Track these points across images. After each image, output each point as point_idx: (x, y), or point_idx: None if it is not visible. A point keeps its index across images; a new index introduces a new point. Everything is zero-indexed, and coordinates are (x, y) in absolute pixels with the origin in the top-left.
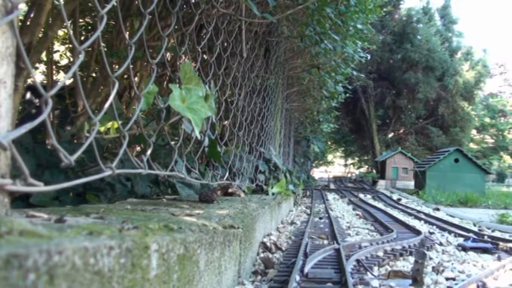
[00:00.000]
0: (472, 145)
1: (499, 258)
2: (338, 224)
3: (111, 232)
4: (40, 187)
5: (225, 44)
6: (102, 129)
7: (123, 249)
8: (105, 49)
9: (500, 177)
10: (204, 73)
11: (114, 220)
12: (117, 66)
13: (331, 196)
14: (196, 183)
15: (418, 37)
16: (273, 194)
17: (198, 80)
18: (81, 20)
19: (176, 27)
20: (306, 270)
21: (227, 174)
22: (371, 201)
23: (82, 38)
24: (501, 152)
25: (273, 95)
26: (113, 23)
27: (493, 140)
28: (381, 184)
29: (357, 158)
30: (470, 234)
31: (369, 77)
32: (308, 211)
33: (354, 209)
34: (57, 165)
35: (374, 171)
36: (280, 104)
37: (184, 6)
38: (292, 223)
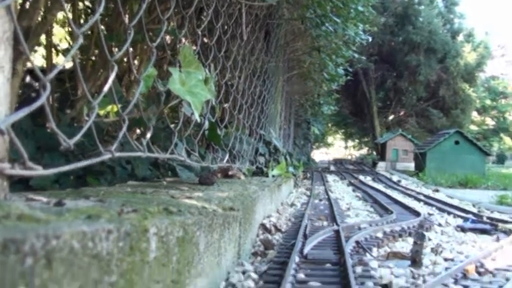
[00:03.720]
0: (472, 127)
1: (497, 239)
2: (338, 206)
3: (110, 216)
4: (39, 171)
5: (225, 27)
6: (101, 112)
7: (122, 232)
8: (105, 32)
9: (500, 159)
10: (204, 56)
11: (113, 203)
12: (116, 50)
13: (331, 178)
14: (196, 166)
15: (420, 19)
16: (273, 176)
17: (197, 63)
18: (80, 4)
19: (176, 10)
20: (305, 251)
21: (227, 156)
22: (371, 183)
23: (82, 21)
24: (501, 133)
25: (274, 78)
26: (112, 6)
27: (493, 122)
28: (381, 166)
29: (357, 140)
30: (470, 216)
31: (370, 60)
32: (308, 193)
33: (353, 191)
34: (57, 149)
35: (374, 153)
36: (281, 86)
37: None
38: (292, 205)
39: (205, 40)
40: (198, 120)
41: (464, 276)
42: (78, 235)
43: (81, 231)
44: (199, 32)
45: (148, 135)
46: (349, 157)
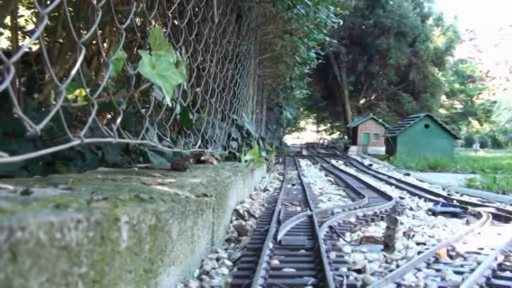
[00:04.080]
0: (441, 111)
1: (467, 223)
2: (310, 191)
3: (79, 204)
4: (5, 158)
5: (196, 9)
6: (70, 96)
7: (92, 222)
8: (72, 14)
9: (468, 142)
10: (175, 39)
11: (83, 191)
12: (85, 32)
13: (303, 162)
14: (168, 151)
15: (390, 2)
16: (246, 161)
17: (168, 46)
18: None
19: None
20: (279, 237)
21: (199, 141)
22: (343, 167)
23: (48, 2)
24: (469, 117)
25: (246, 62)
26: None
27: (461, 106)
28: (353, 150)
29: (329, 124)
30: (440, 199)
31: (341, 43)
32: (281, 178)
33: (326, 175)
34: (24, 135)
35: (346, 137)
36: (253, 70)
37: None
38: (265, 190)
39: (176, 22)
40: (170, 104)
41: (436, 260)
42: (46, 226)
43: (48, 222)
44: (170, 14)
45: (119, 120)
46: (321, 141)
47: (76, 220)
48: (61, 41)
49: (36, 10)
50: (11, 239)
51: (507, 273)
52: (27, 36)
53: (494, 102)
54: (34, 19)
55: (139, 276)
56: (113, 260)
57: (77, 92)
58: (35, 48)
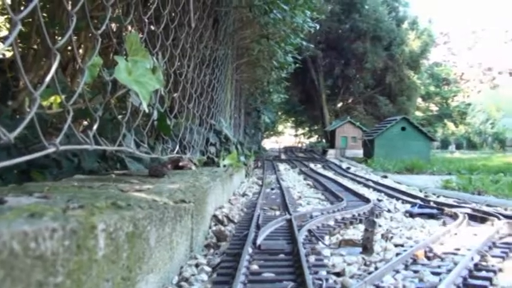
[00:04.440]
0: (417, 113)
1: (444, 224)
2: (289, 195)
3: (55, 213)
4: None
5: (173, 14)
6: (44, 103)
7: (68, 230)
8: (47, 19)
9: (444, 144)
10: (151, 44)
11: (58, 199)
12: (60, 38)
13: (282, 166)
14: (146, 158)
15: (366, 7)
16: (225, 166)
17: (145, 52)
18: None
19: None
20: (258, 242)
21: (177, 147)
22: (321, 171)
23: (22, 8)
24: (445, 119)
25: (223, 66)
26: None
27: (437, 108)
28: (331, 153)
29: (307, 128)
30: (417, 201)
31: (318, 47)
32: (260, 182)
33: (304, 179)
34: None
35: (324, 140)
36: (230, 75)
37: None
38: (244, 195)
39: (152, 28)
40: (147, 110)
41: (414, 261)
42: (19, 235)
43: (22, 232)
44: (146, 20)
45: (95, 127)
46: (300, 145)
47: (51, 229)
48: (35, 47)
49: (9, 16)
50: None
51: (483, 273)
52: (0, 43)
53: (469, 104)
54: (7, 25)
55: (117, 285)
56: (89, 268)
57: (52, 98)
58: (8, 54)
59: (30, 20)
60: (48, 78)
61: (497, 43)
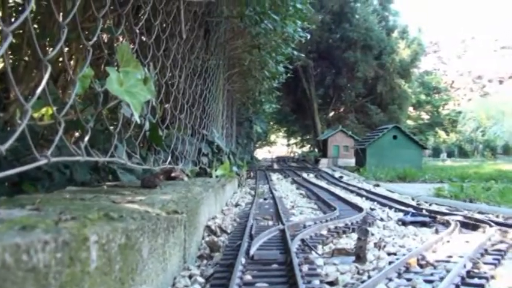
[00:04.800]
0: (409, 122)
1: (436, 231)
2: (282, 204)
3: (47, 225)
4: None
5: (164, 25)
6: (36, 115)
7: (60, 242)
8: (37, 31)
9: (436, 152)
10: (143, 55)
11: (50, 211)
12: (51, 49)
13: (275, 176)
14: (138, 169)
15: (356, 16)
16: (217, 176)
17: (136, 63)
18: (10, 1)
19: (112, 7)
20: (251, 252)
21: (169, 158)
22: (314, 180)
23: (13, 20)
24: (436, 127)
25: (214, 77)
26: (45, 3)
27: (428, 116)
28: (323, 162)
29: (299, 138)
30: (410, 209)
31: (309, 57)
32: (252, 192)
33: (297, 188)
34: None
35: (316, 150)
36: (222, 85)
37: None
38: (236, 205)
39: (144, 38)
40: (138, 121)
41: (407, 269)
42: (11, 248)
43: (14, 244)
44: (137, 30)
45: (87, 138)
46: (292, 155)
47: (43, 241)
48: (26, 58)
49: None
50: None
51: (476, 280)
52: None
53: (460, 112)
54: None
55: None
56: (82, 280)
57: (44, 110)
58: None
59: (21, 31)
60: (39, 90)
61: (487, 51)
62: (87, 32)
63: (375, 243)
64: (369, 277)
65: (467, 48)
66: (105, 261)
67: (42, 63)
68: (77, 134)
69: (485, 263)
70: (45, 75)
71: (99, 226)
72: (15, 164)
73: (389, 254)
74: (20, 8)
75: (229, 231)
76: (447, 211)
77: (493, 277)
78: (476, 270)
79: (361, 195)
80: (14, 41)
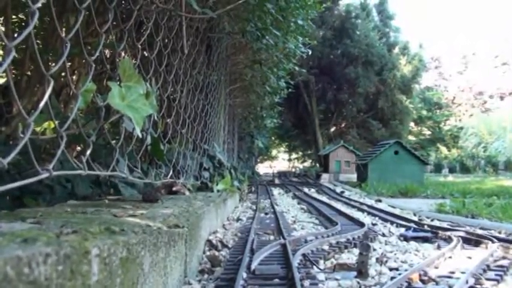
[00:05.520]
0: (410, 137)
1: (438, 247)
2: (284, 219)
3: (48, 238)
4: None
5: (166, 41)
6: (38, 129)
7: (61, 255)
8: (40, 46)
9: (438, 168)
10: (145, 70)
11: (52, 225)
12: (53, 64)
13: (276, 191)
14: (139, 183)
15: (357, 32)
16: (218, 190)
17: (138, 78)
18: (14, 16)
19: (114, 23)
20: (252, 267)
21: (171, 172)
22: (315, 195)
23: (15, 35)
24: (438, 143)
25: (216, 92)
26: (48, 19)
27: (430, 132)
28: (325, 177)
29: (300, 153)
30: (411, 224)
31: (311, 72)
32: (254, 207)
33: (298, 203)
34: None
35: (317, 165)
36: (224, 100)
37: (123, 1)
38: (238, 219)
39: (146, 54)
40: (140, 135)
41: (409, 285)
42: (13, 261)
43: (15, 257)
44: (139, 46)
45: (88, 152)
46: (293, 170)
47: (45, 254)
48: (29, 73)
49: (3, 43)
50: None
51: None
52: None
53: (461, 128)
54: (0, 52)
55: None
56: None
57: (46, 124)
58: (1, 80)
59: (24, 46)
60: (41, 104)
61: (488, 67)
62: (89, 47)
63: (377, 259)
64: None
65: (468, 64)
66: (106, 274)
67: (45, 78)
68: (78, 148)
69: (487, 279)
70: (47, 90)
71: (100, 239)
72: (17, 178)
73: (391, 269)
74: (23, 24)
75: (230, 245)
76: (449, 227)
77: None
78: (478, 286)
79: (362, 211)
80: (16, 55)
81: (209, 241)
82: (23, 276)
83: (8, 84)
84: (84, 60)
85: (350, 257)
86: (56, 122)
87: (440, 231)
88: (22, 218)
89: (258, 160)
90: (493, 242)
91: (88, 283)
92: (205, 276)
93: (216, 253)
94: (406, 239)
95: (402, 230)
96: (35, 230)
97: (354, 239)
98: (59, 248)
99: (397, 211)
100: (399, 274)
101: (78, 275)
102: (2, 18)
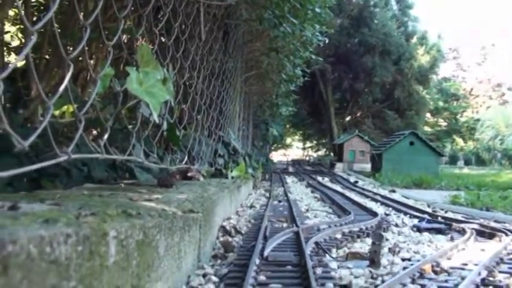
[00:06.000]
0: (426, 128)
1: (451, 239)
2: (297, 207)
3: (68, 219)
4: None
5: (183, 27)
6: (56, 112)
7: (81, 236)
8: (59, 30)
9: (453, 160)
10: (162, 56)
11: (70, 206)
12: (71, 49)
13: (290, 179)
14: (155, 168)
15: (375, 21)
16: (232, 177)
17: (155, 63)
18: (33, 0)
19: (133, 8)
20: (265, 253)
21: (186, 158)
22: (329, 184)
23: (34, 18)
24: (454, 134)
25: (232, 78)
26: (67, 3)
27: (446, 123)
28: (339, 167)
29: (315, 141)
30: (425, 216)
31: (327, 61)
32: (267, 194)
33: (312, 192)
34: (9, 150)
35: (332, 154)
36: (239, 87)
37: None
38: (251, 206)
39: (163, 40)
40: (157, 120)
41: (421, 275)
42: (36, 240)
43: (38, 236)
44: (157, 32)
45: (106, 136)
46: (307, 158)
47: (66, 234)
48: (47, 57)
49: (21, 26)
50: (2, 252)
51: None
52: (12, 53)
53: (478, 120)
54: (20, 35)
55: None
56: (101, 274)
57: (64, 108)
58: (19, 64)
59: (43, 30)
60: (61, 88)
61: (507, 59)
62: (107, 32)
63: (389, 249)
64: (383, 281)
65: (487, 55)
66: (123, 256)
67: (65, 62)
68: (94, 132)
69: (500, 272)
70: (67, 74)
71: (117, 222)
72: (35, 160)
73: (403, 259)
74: (41, 8)
75: (243, 232)
76: (463, 219)
77: (508, 286)
78: (491, 279)
79: (376, 201)
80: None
81: (223, 227)
82: (45, 255)
83: (29, 68)
84: (101, 45)
85: (363, 246)
86: (75, 106)
87: (454, 223)
88: (41, 200)
89: (273, 148)
90: (507, 235)
91: (106, 264)
92: (219, 261)
93: (230, 239)
94: (419, 230)
95: (415, 221)
96: (55, 211)
97: (366, 228)
98: (78, 228)
99: (410, 202)
100: (411, 264)
101: (96, 256)
102: (21, 2)
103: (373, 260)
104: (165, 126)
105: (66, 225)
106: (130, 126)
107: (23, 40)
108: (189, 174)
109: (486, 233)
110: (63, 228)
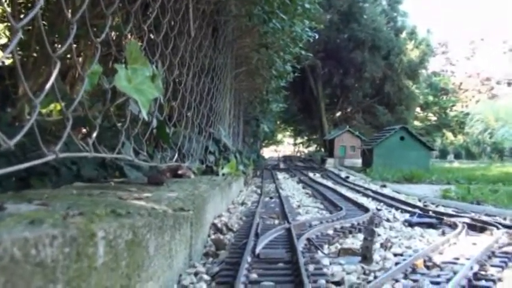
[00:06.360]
0: (416, 123)
1: (443, 233)
2: (288, 203)
3: (54, 220)
4: None
5: (172, 23)
6: (44, 111)
7: (68, 237)
8: (46, 27)
9: (443, 154)
10: (151, 53)
11: (58, 206)
12: (59, 46)
13: (281, 175)
14: (145, 166)
15: (364, 16)
16: (223, 174)
17: (144, 60)
18: None
19: (120, 5)
20: (257, 250)
21: (176, 155)
22: (320, 180)
23: (22, 16)
24: (443, 129)
25: (222, 75)
26: (54, 0)
27: (436, 118)
28: (330, 162)
29: (306, 137)
30: (416, 210)
31: (317, 57)
32: (259, 191)
33: (303, 188)
34: None
35: (323, 149)
36: (229, 83)
37: None
38: (243, 203)
39: (152, 36)
40: (146, 118)
41: (414, 270)
42: (20, 242)
43: (22, 238)
44: (146, 28)
45: (94, 135)
46: (298, 154)
47: (51, 236)
48: (35, 54)
49: (9, 24)
50: None
51: (482, 282)
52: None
53: (467, 114)
54: (7, 33)
55: None
56: (89, 276)
57: (52, 106)
58: (7, 62)
59: (30, 28)
60: (48, 86)
61: (496, 53)
62: (95, 29)
63: (381, 244)
64: (375, 277)
65: (476, 49)
66: (112, 257)
67: (52, 60)
68: (83, 131)
69: (492, 266)
70: (54, 71)
71: (106, 222)
72: (23, 159)
73: (395, 254)
74: (29, 5)
75: (235, 229)
76: (454, 213)
77: (500, 280)
78: (483, 273)
79: (367, 196)
80: (22, 37)
81: (214, 224)
82: (30, 257)
83: (15, 66)
84: (89, 42)
85: (354, 242)
86: (63, 104)
87: (445, 217)
88: (28, 200)
89: (264, 144)
90: (498, 228)
91: (94, 265)
92: (210, 259)
93: (221, 236)
94: (410, 224)
95: (407, 216)
96: (41, 212)
97: (358, 224)
98: (65, 230)
99: (402, 197)
100: (404, 260)
101: (84, 257)
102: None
103: (365, 255)
104: (154, 123)
105: (52, 227)
106: (119, 124)
107: (10, 38)
108: (180, 171)
109: (477, 227)
110: (49, 230)
